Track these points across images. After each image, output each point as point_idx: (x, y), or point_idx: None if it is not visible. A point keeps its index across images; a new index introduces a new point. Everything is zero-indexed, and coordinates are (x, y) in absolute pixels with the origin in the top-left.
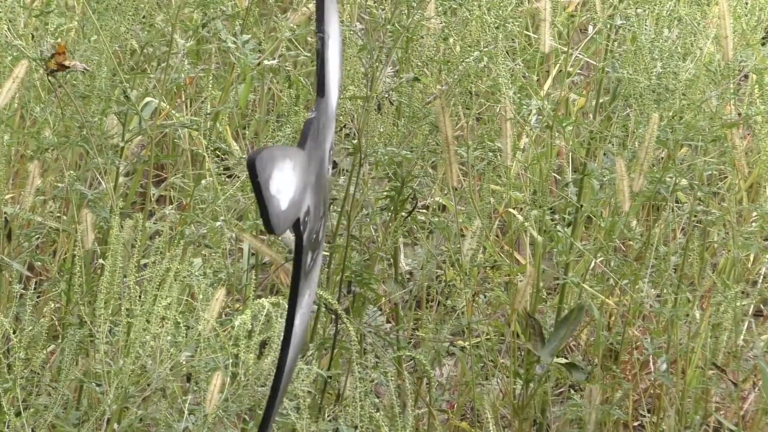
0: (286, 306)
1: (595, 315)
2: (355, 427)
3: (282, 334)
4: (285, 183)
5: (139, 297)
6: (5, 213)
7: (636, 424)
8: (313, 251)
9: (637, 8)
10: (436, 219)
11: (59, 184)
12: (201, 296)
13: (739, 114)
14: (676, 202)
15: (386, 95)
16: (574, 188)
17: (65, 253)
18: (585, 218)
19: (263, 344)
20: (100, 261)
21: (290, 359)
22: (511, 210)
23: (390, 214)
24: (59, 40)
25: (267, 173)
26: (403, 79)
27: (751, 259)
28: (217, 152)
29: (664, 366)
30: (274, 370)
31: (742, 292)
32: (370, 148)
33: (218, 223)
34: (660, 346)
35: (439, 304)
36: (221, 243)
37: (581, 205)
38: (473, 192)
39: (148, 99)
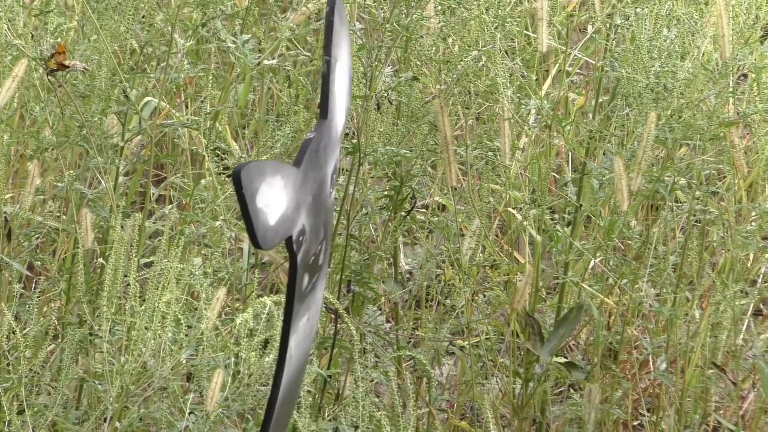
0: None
1: (594, 314)
2: (356, 427)
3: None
4: (274, 198)
5: (140, 296)
6: (5, 212)
7: (635, 423)
8: (311, 274)
9: (635, 8)
10: (436, 218)
11: (59, 184)
12: (204, 295)
13: (738, 113)
14: (675, 201)
15: (385, 94)
16: (573, 187)
17: (65, 253)
18: (584, 217)
19: (265, 343)
20: (100, 260)
21: (290, 383)
22: (510, 209)
23: (389, 213)
24: (59, 39)
25: (254, 186)
26: (402, 78)
27: (750, 258)
28: (216, 152)
29: (664, 365)
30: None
31: (741, 292)
32: (370, 148)
33: (218, 223)
34: (659, 345)
35: (438, 303)
36: (221, 242)
37: (580, 205)
38: (472, 191)
39: (147, 98)
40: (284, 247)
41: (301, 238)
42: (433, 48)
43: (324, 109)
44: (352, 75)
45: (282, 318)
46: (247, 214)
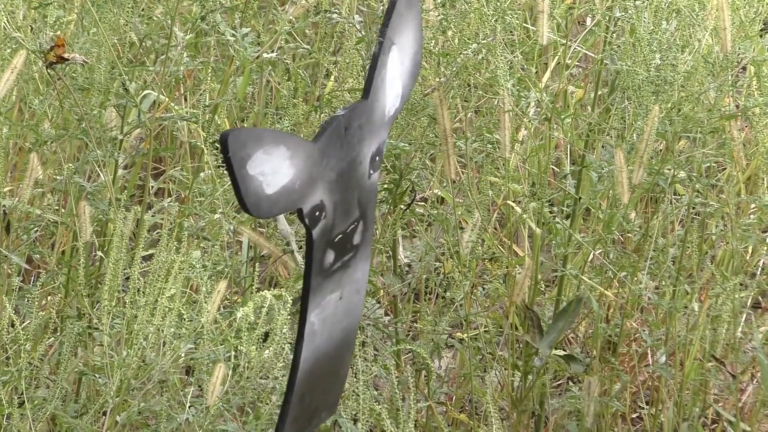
0: (288, 299)
1: (593, 307)
2: (355, 420)
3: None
4: (274, 167)
5: (140, 290)
6: (4, 205)
7: (634, 416)
8: (338, 252)
9: (635, 0)
10: (435, 211)
11: (58, 177)
12: (204, 288)
13: (738, 106)
14: (675, 194)
15: None
16: (572, 180)
17: (64, 246)
18: (583, 210)
19: (265, 336)
20: (99, 254)
21: (317, 360)
22: (509, 202)
23: (389, 206)
24: (58, 32)
25: (245, 152)
26: None
27: (750, 250)
28: (215, 144)
29: (663, 358)
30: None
31: (741, 284)
32: None
33: (217, 216)
34: (658, 338)
35: (437, 296)
36: (220, 235)
37: (580, 197)
38: (472, 184)
39: (147, 91)
40: (282, 236)
41: (317, 213)
42: (433, 41)
43: (366, 89)
44: (420, 60)
45: (302, 293)
46: (234, 179)
